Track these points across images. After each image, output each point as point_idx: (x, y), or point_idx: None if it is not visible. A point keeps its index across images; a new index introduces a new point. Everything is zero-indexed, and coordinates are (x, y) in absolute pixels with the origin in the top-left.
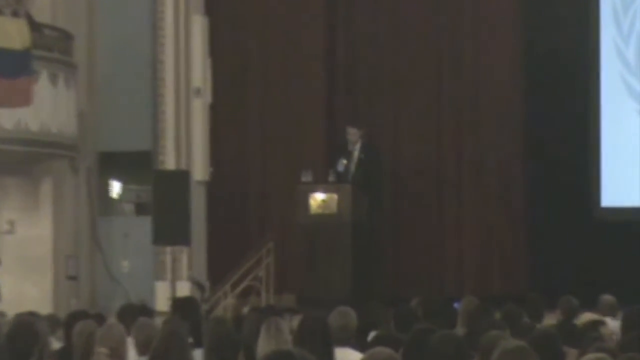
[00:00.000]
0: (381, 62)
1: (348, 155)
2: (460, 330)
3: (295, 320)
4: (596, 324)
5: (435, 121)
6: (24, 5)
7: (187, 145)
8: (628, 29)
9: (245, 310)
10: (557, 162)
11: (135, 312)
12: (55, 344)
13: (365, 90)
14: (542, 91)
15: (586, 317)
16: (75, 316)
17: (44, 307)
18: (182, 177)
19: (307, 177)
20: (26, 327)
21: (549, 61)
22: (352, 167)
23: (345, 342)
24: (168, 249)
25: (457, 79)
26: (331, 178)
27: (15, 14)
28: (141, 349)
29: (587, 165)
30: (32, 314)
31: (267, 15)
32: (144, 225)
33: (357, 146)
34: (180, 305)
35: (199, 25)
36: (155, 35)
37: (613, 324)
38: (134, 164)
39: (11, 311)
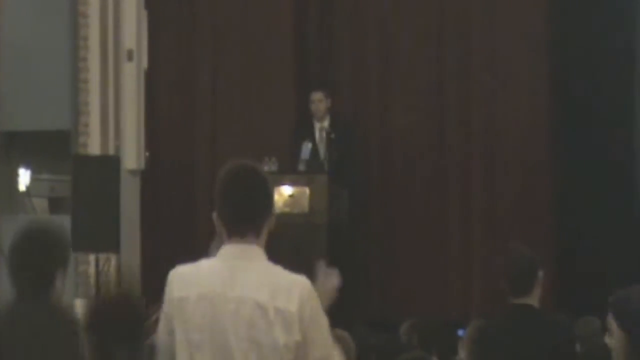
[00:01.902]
0: (364, 21)
1: (313, 136)
2: None
3: None
4: None
5: (437, 93)
6: None
7: (116, 124)
8: None
9: None
10: (589, 148)
11: None
12: None
13: (344, 56)
14: (571, 65)
15: None
16: None
17: None
18: (109, 164)
19: (271, 166)
20: None
21: (581, 28)
22: (322, 152)
23: None
24: (91, 257)
25: (465, 38)
26: (301, 167)
27: None
28: None
29: (626, 157)
30: None
31: None
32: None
33: (325, 123)
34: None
35: None
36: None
37: None
38: (48, 147)
39: None
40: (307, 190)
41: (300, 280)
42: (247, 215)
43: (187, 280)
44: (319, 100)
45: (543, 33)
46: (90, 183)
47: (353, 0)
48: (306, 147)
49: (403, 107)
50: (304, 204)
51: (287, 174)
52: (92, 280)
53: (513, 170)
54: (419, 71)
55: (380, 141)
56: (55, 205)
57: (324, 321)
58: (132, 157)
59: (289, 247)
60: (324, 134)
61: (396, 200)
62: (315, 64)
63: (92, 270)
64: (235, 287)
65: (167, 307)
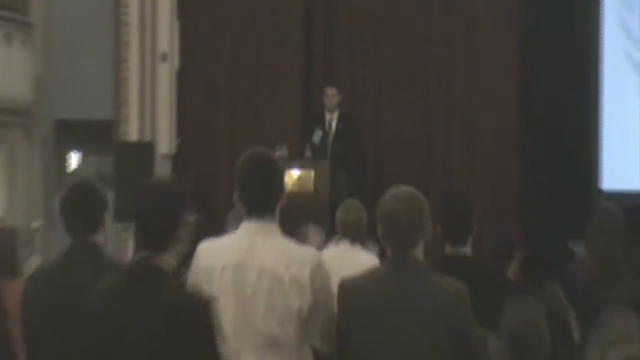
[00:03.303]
0: (363, 26)
1: (324, 125)
2: None
3: None
4: None
5: (422, 89)
6: None
7: (152, 115)
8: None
9: None
10: (554, 138)
11: None
12: None
13: (345, 56)
14: (541, 60)
15: None
16: None
17: None
18: (145, 149)
19: (282, 152)
20: None
21: (550, 27)
22: (330, 140)
23: (356, 238)
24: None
25: (448, 45)
26: (308, 153)
27: None
28: None
29: (587, 142)
30: None
31: None
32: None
33: (335, 115)
34: None
35: None
36: (117, 4)
37: None
38: (94, 134)
39: None
40: (312, 173)
41: (311, 252)
42: (263, 197)
43: (213, 252)
44: (332, 95)
45: (515, 37)
46: (129, 165)
47: (352, 10)
48: (317, 134)
49: (394, 105)
50: (310, 185)
51: (296, 159)
52: (130, 247)
53: (488, 157)
54: (408, 76)
55: (375, 133)
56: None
57: (330, 288)
58: (165, 143)
59: (297, 221)
60: (333, 124)
61: (387, 182)
62: (319, 67)
63: (130, 238)
64: (255, 259)
65: (194, 276)
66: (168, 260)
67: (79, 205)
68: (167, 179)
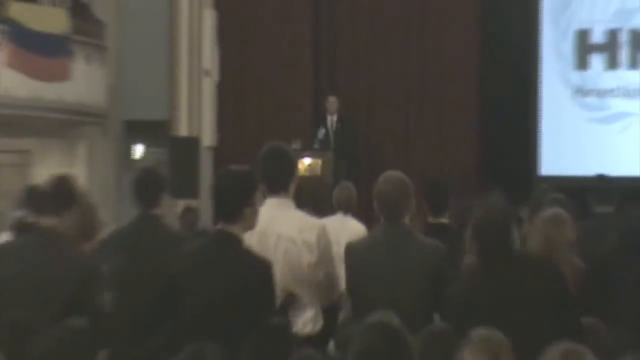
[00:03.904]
0: (358, 48)
1: (327, 125)
2: None
3: None
4: None
5: (403, 96)
6: None
7: (198, 116)
8: (564, 28)
9: None
10: (504, 135)
11: None
12: None
13: (344, 71)
14: (494, 76)
15: None
16: None
17: None
18: (193, 142)
19: (296, 144)
20: None
21: (500, 52)
22: (331, 136)
23: (348, 211)
24: (181, 201)
25: (422, 65)
26: (316, 146)
27: (53, 2)
28: None
29: (528, 140)
30: None
31: (262, 11)
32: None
33: (335, 117)
34: None
35: (209, 18)
36: (173, 25)
37: None
38: (153, 131)
39: None
40: (319, 161)
41: (317, 222)
42: (279, 180)
43: None
44: (332, 102)
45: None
46: (180, 155)
47: (349, 34)
48: (321, 132)
49: (381, 108)
50: (318, 170)
51: (307, 150)
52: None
53: (455, 149)
54: (392, 86)
55: (367, 130)
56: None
57: (331, 249)
58: (208, 138)
59: (308, 198)
60: (333, 124)
61: (377, 167)
62: (324, 80)
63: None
64: (275, 227)
65: None
66: (238, 231)
67: (144, 186)
68: (241, 167)
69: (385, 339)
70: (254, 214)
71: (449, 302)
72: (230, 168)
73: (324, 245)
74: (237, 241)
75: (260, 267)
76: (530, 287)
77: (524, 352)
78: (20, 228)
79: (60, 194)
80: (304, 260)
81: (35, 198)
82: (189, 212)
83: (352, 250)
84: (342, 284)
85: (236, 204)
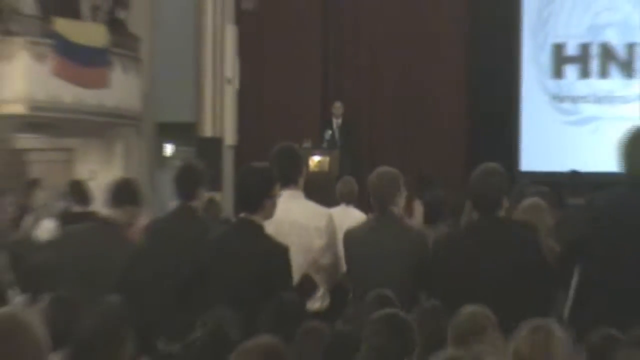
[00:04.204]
0: (361, 60)
1: (333, 127)
2: None
3: None
4: None
5: (401, 100)
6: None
7: (220, 119)
8: (542, 41)
9: None
10: (489, 135)
11: None
12: None
13: (349, 79)
14: (481, 84)
15: None
16: None
17: None
18: (216, 142)
19: (307, 144)
20: None
21: (486, 63)
22: (337, 136)
23: (350, 202)
24: (205, 194)
25: (417, 75)
26: (324, 145)
27: (94, 19)
28: None
29: (510, 140)
30: None
31: (277, 26)
32: None
33: (340, 120)
34: None
35: (230, 33)
36: (199, 39)
37: None
38: (182, 132)
39: None
40: (327, 158)
41: (325, 210)
42: (290, 174)
43: None
44: (338, 107)
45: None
46: (205, 152)
47: (353, 48)
48: (328, 133)
49: (381, 114)
50: (326, 166)
51: (316, 149)
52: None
53: (445, 147)
54: (391, 93)
55: (369, 131)
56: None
57: (337, 235)
58: (229, 138)
59: (318, 191)
60: (339, 126)
61: (378, 164)
62: (332, 84)
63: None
64: (289, 215)
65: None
66: (258, 219)
67: (183, 180)
68: (261, 164)
69: (395, 335)
70: (273, 205)
71: (434, 254)
72: (252, 165)
73: (331, 231)
74: (258, 228)
75: (279, 250)
76: (508, 246)
77: (497, 306)
78: (65, 217)
79: (124, 192)
80: (314, 243)
81: (78, 190)
82: (212, 203)
83: (349, 235)
84: (344, 265)
85: (257, 196)
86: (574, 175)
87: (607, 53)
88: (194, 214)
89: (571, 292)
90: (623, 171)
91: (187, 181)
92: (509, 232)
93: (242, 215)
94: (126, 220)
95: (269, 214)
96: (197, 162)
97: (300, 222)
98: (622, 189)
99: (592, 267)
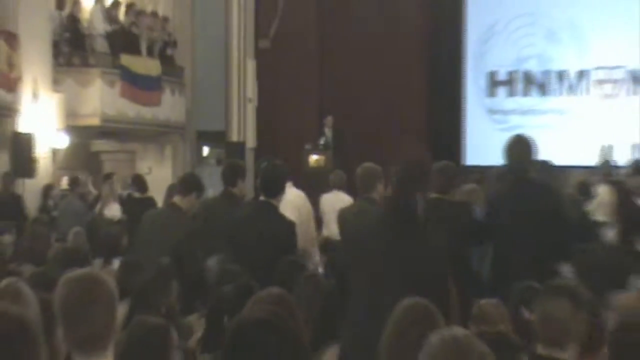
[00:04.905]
0: (350, 82)
1: (325, 135)
2: None
3: None
4: None
5: (379, 116)
6: (166, 47)
7: (244, 128)
8: (481, 69)
9: None
10: (443, 138)
11: None
12: None
13: (340, 96)
14: (436, 101)
15: None
16: None
17: None
18: (240, 145)
19: (308, 146)
20: None
21: (439, 85)
22: (330, 142)
23: (340, 189)
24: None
25: (389, 95)
26: (320, 147)
27: (150, 55)
28: None
29: (458, 142)
30: None
31: (285, 61)
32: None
33: (330, 129)
34: None
35: (250, 64)
36: (228, 69)
37: None
38: (215, 137)
39: None
40: (323, 157)
41: (303, 195)
42: (268, 188)
43: None
44: (329, 120)
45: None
46: (232, 152)
47: (343, 65)
48: (322, 139)
49: (364, 121)
50: (322, 163)
51: (315, 150)
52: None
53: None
54: (370, 105)
55: (355, 134)
56: (218, 162)
57: (311, 212)
58: (250, 141)
59: (317, 182)
60: (331, 134)
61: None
62: (326, 102)
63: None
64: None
65: None
66: (275, 202)
67: (226, 171)
68: (280, 162)
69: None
70: (284, 193)
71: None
72: (274, 162)
73: (307, 209)
74: (275, 208)
75: (289, 225)
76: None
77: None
78: (128, 201)
79: (187, 183)
80: (298, 216)
81: (138, 182)
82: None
83: (343, 214)
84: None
85: (277, 185)
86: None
87: (528, 78)
88: (233, 196)
89: (489, 259)
90: (507, 168)
91: (229, 172)
92: (451, 206)
93: (262, 198)
94: (189, 207)
95: (280, 199)
96: (238, 160)
97: (292, 201)
98: (506, 184)
99: (497, 243)
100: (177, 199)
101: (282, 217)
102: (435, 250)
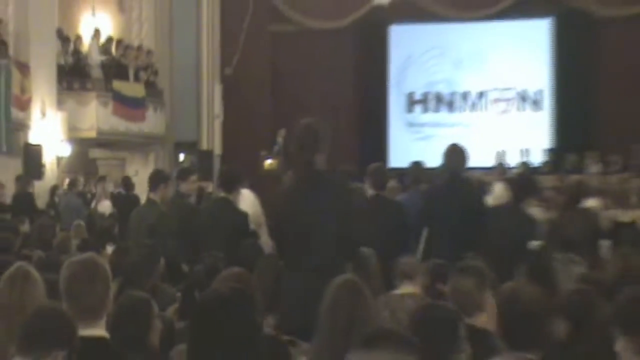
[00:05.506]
0: (297, 101)
1: (278, 144)
2: None
3: None
4: None
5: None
6: (150, 74)
7: (212, 138)
8: (402, 90)
9: None
10: (371, 145)
11: None
12: None
13: (289, 111)
14: (364, 116)
15: None
16: None
17: None
18: (209, 152)
19: (263, 152)
20: None
21: (366, 104)
22: (281, 148)
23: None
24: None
25: (332, 113)
26: (274, 153)
27: (137, 81)
28: None
29: (385, 148)
30: None
31: (244, 84)
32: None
33: (282, 139)
34: None
35: (218, 88)
36: (199, 92)
37: None
38: (189, 146)
39: None
40: (276, 161)
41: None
42: (225, 186)
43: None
44: (281, 132)
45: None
46: (203, 159)
47: (292, 83)
48: (275, 148)
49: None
50: (275, 167)
51: (269, 155)
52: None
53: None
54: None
55: None
56: (193, 166)
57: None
58: (218, 149)
59: (271, 181)
60: (282, 142)
61: None
62: (279, 116)
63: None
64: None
65: None
66: (232, 197)
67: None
68: (236, 167)
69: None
70: (238, 190)
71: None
72: (231, 165)
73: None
74: (230, 202)
75: (243, 216)
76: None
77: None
78: (116, 198)
79: (152, 179)
80: (257, 211)
81: (126, 183)
82: (201, 189)
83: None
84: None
85: (232, 183)
86: (417, 166)
87: (439, 98)
88: (153, 201)
89: (422, 242)
90: (445, 169)
91: (150, 180)
92: (385, 201)
93: (222, 194)
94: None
95: (238, 195)
96: (161, 170)
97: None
98: (442, 182)
99: (432, 227)
100: (150, 194)
101: (236, 209)
102: (342, 198)
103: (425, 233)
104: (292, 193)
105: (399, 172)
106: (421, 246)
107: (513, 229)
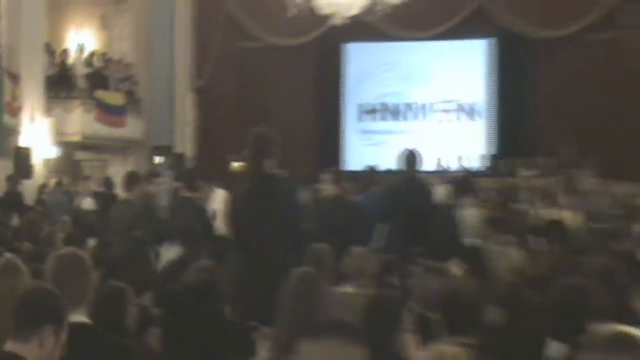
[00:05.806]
0: (263, 108)
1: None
2: None
3: None
4: None
5: (284, 132)
6: (129, 84)
7: (185, 143)
8: (355, 101)
9: None
10: (329, 150)
11: None
12: None
13: (256, 119)
14: (325, 126)
15: None
16: None
17: None
18: (182, 155)
19: (234, 157)
20: None
21: (325, 113)
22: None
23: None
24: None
25: (291, 123)
26: (241, 156)
27: (117, 90)
28: None
29: (341, 152)
30: None
31: (214, 96)
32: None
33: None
34: None
35: (189, 97)
36: (174, 101)
37: None
38: (164, 150)
39: None
40: (243, 163)
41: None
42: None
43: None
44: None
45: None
46: (177, 160)
47: (260, 94)
48: (243, 152)
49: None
50: (241, 167)
51: (236, 158)
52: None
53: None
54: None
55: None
56: (168, 168)
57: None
58: (189, 152)
59: (238, 180)
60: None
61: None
62: (245, 123)
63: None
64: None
65: None
66: (197, 195)
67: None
68: (202, 168)
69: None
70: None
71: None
72: (195, 167)
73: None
74: (192, 200)
75: (206, 212)
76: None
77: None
78: (98, 195)
79: (126, 182)
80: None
81: (107, 182)
82: (177, 189)
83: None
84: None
85: (195, 183)
86: (371, 170)
87: (386, 109)
88: (129, 200)
89: (379, 237)
90: (401, 170)
91: (123, 181)
92: (343, 201)
93: (187, 195)
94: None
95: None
96: (135, 170)
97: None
98: (399, 182)
99: (392, 221)
100: (126, 194)
101: (199, 208)
102: (288, 197)
103: (382, 229)
104: (244, 193)
105: (354, 175)
106: (376, 240)
107: (450, 225)
